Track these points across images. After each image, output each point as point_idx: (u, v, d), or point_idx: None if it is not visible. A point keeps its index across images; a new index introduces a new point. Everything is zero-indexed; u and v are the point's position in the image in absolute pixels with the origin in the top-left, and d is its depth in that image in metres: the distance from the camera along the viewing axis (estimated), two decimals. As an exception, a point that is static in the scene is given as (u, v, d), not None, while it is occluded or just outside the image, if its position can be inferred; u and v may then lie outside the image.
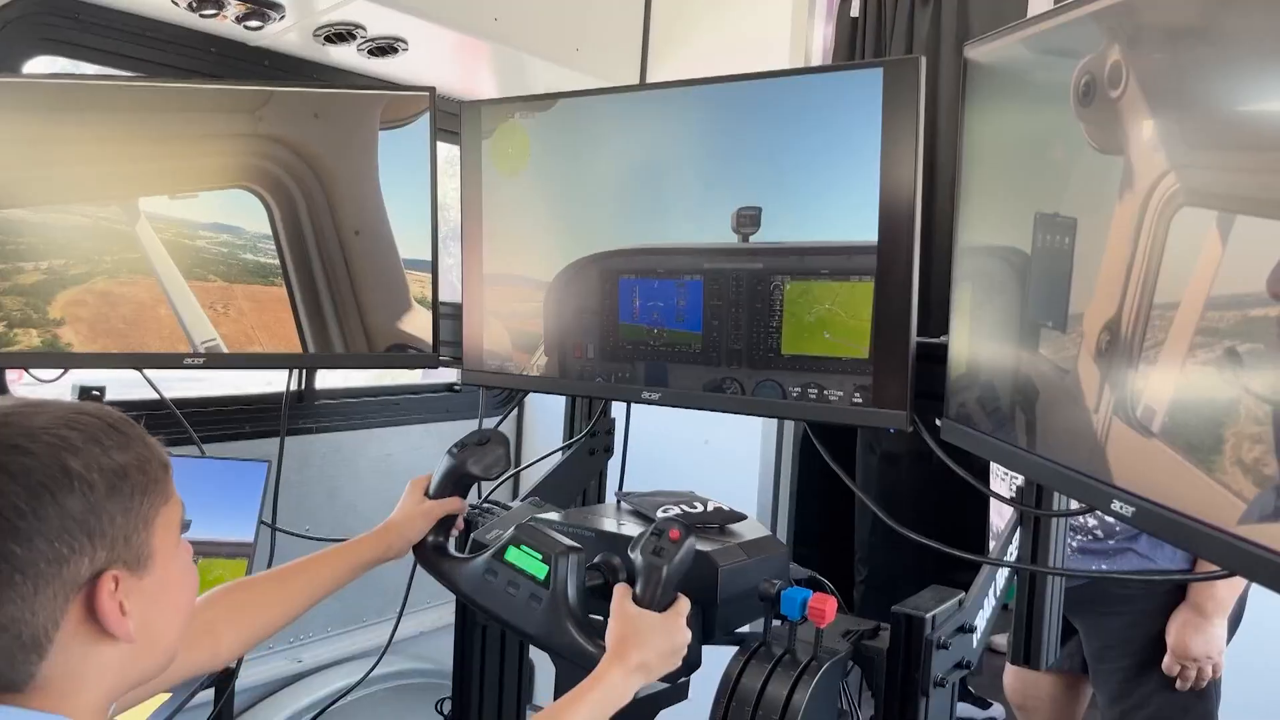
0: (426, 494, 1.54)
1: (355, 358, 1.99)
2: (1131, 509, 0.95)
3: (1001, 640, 2.41)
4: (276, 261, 1.97)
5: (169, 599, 0.93)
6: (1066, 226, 1.12)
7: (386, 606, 2.81)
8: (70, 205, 1.88)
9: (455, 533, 1.57)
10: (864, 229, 1.40)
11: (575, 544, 1.38)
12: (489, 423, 2.10)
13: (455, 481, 1.54)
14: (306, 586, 1.38)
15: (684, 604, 1.26)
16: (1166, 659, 2.04)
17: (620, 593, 1.27)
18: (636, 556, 1.27)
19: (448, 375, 3.11)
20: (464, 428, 2.86)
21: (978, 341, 1.33)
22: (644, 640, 1.21)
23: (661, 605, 1.24)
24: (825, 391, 1.47)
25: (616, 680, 1.18)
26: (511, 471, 1.69)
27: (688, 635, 1.25)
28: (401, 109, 1.95)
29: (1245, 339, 0.84)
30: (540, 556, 1.37)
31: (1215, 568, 1.87)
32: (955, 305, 1.37)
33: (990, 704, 3.64)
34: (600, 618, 1.30)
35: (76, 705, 0.86)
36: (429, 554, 1.52)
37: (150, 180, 1.91)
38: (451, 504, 1.54)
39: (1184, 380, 0.92)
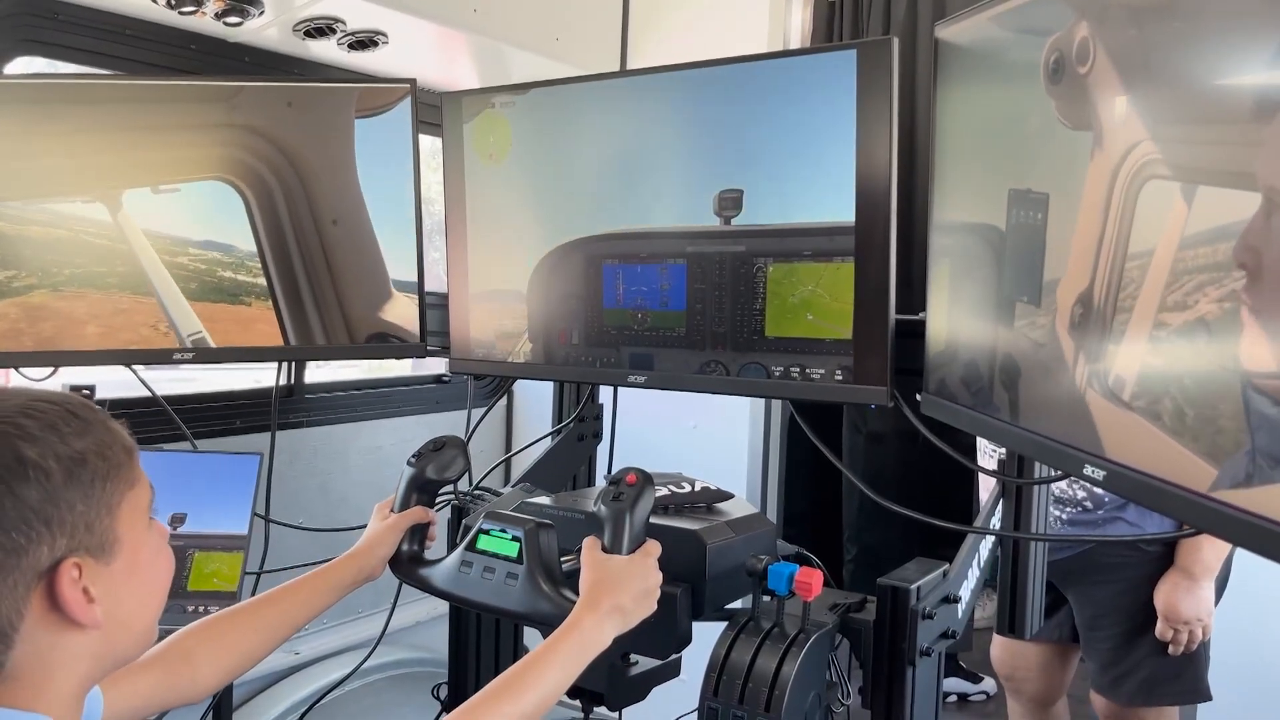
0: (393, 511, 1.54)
1: (344, 349, 2.01)
2: (1102, 473, 0.97)
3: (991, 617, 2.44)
4: (252, 280, 1.97)
5: (139, 583, 0.93)
6: (1039, 202, 1.14)
7: (381, 598, 2.83)
8: (50, 200, 1.88)
9: (430, 543, 1.57)
10: (845, 210, 1.42)
11: (543, 519, 1.40)
12: (477, 412, 2.12)
13: (418, 490, 1.54)
14: (283, 616, 1.37)
15: (653, 546, 1.27)
16: (1159, 624, 2.07)
17: (589, 544, 1.28)
18: (600, 508, 1.30)
19: (436, 366, 3.13)
20: (453, 418, 2.87)
21: (955, 317, 1.35)
22: (614, 583, 1.21)
23: (629, 549, 1.26)
24: (808, 371, 1.49)
25: (589, 625, 1.18)
26: (499, 461, 1.70)
27: (659, 576, 1.26)
28: (378, 97, 1.96)
29: (1212, 308, 0.86)
30: (510, 536, 1.39)
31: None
32: (932, 281, 1.39)
33: (981, 678, 3.69)
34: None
35: (50, 696, 0.87)
36: (405, 565, 1.52)
37: (128, 172, 1.91)
38: (415, 514, 1.53)
39: (1153, 351, 0.94)
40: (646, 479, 1.29)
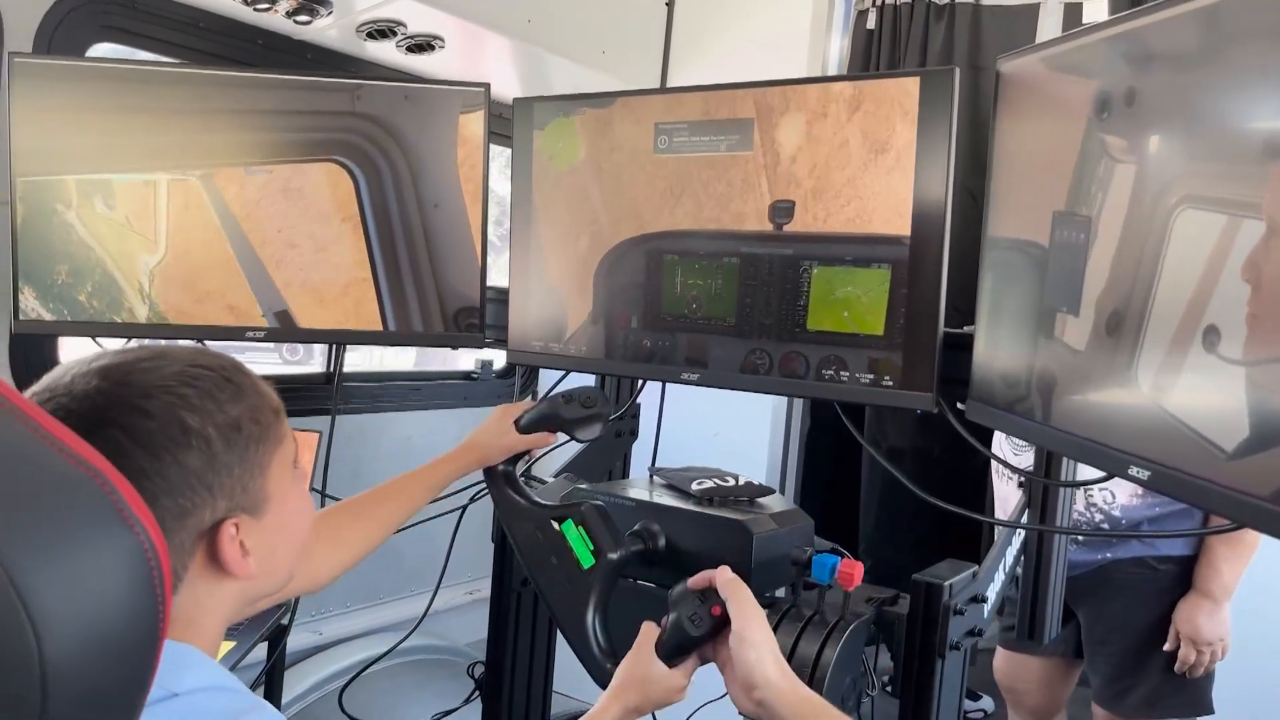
0: (517, 423, 1.58)
1: (407, 336, 2.09)
2: (1147, 473, 1.06)
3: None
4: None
5: (287, 532, 0.99)
6: (1083, 224, 1.22)
7: (404, 584, 2.91)
8: (151, 174, 1.99)
9: (528, 463, 1.61)
10: (889, 223, 1.52)
11: (626, 552, 1.44)
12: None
13: (547, 424, 1.58)
14: (392, 510, 1.46)
15: (693, 663, 1.30)
16: (1182, 648, 2.14)
17: (646, 633, 1.30)
18: (675, 616, 1.29)
19: (467, 363, 3.21)
20: (481, 414, 2.95)
21: (1001, 325, 1.43)
22: (649, 689, 1.27)
23: (678, 663, 1.29)
24: (843, 371, 1.58)
25: (615, 718, 1.24)
26: (549, 447, 1.74)
27: (685, 694, 1.30)
28: (473, 96, 2.07)
29: (1224, 317, 0.98)
30: (592, 548, 1.44)
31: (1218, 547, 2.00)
32: (982, 292, 1.47)
33: (980, 696, 3.76)
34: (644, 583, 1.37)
35: (197, 632, 0.92)
36: (498, 479, 1.58)
37: (244, 151, 2.02)
38: (538, 439, 1.57)
39: (1180, 353, 1.04)
40: (726, 619, 1.25)
